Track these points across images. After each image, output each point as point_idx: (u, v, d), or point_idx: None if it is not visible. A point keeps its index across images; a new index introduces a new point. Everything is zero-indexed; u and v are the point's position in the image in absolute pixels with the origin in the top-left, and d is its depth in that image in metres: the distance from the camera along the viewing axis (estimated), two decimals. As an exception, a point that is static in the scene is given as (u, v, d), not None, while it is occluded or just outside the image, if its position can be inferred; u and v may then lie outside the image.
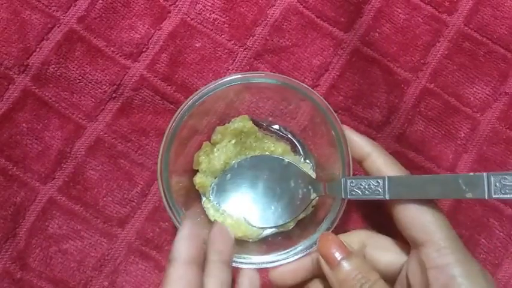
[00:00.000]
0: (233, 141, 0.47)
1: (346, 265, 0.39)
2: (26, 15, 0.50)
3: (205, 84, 0.49)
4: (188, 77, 0.51)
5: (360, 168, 0.50)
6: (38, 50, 0.50)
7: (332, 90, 0.51)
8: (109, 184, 0.49)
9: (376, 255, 0.43)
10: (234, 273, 0.48)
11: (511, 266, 0.49)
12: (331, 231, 0.42)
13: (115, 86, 0.50)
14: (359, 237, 0.44)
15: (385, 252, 0.43)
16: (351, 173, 0.43)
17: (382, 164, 0.42)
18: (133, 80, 0.50)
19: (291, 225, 0.46)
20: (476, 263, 0.38)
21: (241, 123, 0.47)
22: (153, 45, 0.51)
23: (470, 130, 0.51)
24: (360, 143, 0.44)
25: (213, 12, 0.52)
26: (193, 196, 0.47)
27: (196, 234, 0.38)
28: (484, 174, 0.36)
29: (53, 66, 0.50)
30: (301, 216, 0.46)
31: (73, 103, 0.50)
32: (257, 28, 0.52)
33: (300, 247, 0.42)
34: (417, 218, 0.39)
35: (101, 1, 0.51)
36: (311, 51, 0.52)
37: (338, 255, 0.39)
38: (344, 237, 0.43)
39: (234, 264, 0.41)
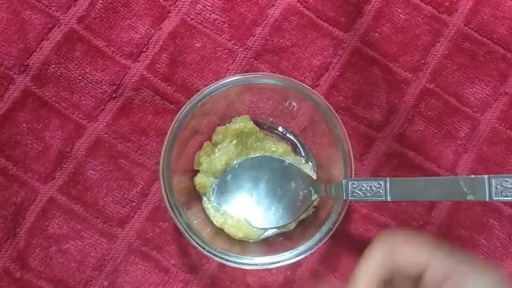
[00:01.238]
0: (234, 142, 0.47)
1: None
2: (26, 15, 0.50)
3: (206, 84, 0.50)
4: (188, 77, 0.51)
5: (360, 168, 0.50)
6: (38, 50, 0.50)
7: (332, 90, 0.51)
8: (109, 184, 0.49)
9: (401, 266, 0.38)
10: (235, 274, 0.49)
11: (511, 266, 0.50)
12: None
13: (115, 86, 0.50)
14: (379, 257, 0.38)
15: (408, 265, 0.37)
16: (353, 175, 0.43)
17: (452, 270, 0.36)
18: (133, 80, 0.50)
19: (292, 225, 0.46)
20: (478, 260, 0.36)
21: (243, 123, 0.47)
22: (153, 45, 0.51)
23: (470, 130, 0.51)
24: (409, 253, 0.37)
25: (213, 12, 0.52)
26: (194, 196, 0.47)
27: None
28: (485, 176, 0.36)
29: (53, 66, 0.50)
30: (302, 217, 0.46)
31: (73, 103, 0.50)
32: (257, 28, 0.52)
33: (301, 248, 0.42)
34: (410, 256, 0.37)
35: (101, 1, 0.51)
36: (311, 51, 0.52)
37: None
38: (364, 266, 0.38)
39: (235, 265, 0.41)
